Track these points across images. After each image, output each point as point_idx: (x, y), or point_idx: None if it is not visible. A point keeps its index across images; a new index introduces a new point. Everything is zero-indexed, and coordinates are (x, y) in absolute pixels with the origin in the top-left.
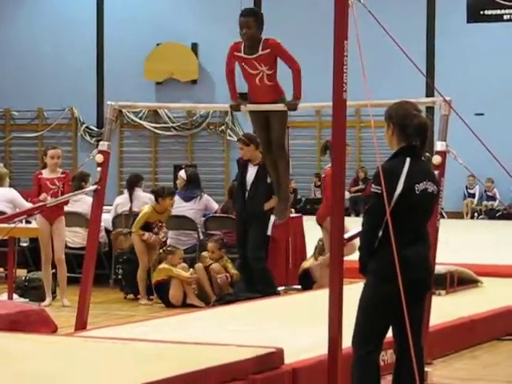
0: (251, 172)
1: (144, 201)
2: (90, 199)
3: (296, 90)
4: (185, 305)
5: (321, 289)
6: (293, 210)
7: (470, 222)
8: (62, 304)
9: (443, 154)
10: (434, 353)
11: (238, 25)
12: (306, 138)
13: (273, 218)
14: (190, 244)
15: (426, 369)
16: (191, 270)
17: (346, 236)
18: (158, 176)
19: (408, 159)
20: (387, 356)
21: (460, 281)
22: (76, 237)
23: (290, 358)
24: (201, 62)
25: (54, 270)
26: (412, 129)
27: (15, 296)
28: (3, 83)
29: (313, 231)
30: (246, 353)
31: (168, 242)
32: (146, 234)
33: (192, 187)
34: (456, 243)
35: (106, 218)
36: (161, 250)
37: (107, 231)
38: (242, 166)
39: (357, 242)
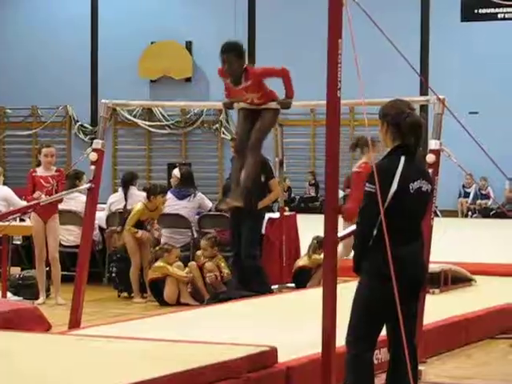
0: None
1: (139, 199)
2: (84, 197)
3: (288, 90)
4: (179, 303)
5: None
6: (287, 208)
7: (463, 221)
8: (55, 302)
9: (437, 152)
10: (428, 351)
11: (220, 58)
12: (300, 136)
13: (267, 216)
14: (184, 242)
15: (419, 367)
16: (187, 269)
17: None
18: (152, 174)
19: (403, 158)
20: (381, 354)
21: (454, 279)
22: (70, 235)
23: (283, 357)
24: (195, 59)
25: (47, 268)
26: (406, 127)
27: (9, 294)
28: None
29: (306, 229)
30: (240, 351)
31: (162, 240)
32: (140, 232)
33: (186, 185)
34: (450, 242)
35: (100, 217)
36: (157, 248)
37: (101, 229)
38: None
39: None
